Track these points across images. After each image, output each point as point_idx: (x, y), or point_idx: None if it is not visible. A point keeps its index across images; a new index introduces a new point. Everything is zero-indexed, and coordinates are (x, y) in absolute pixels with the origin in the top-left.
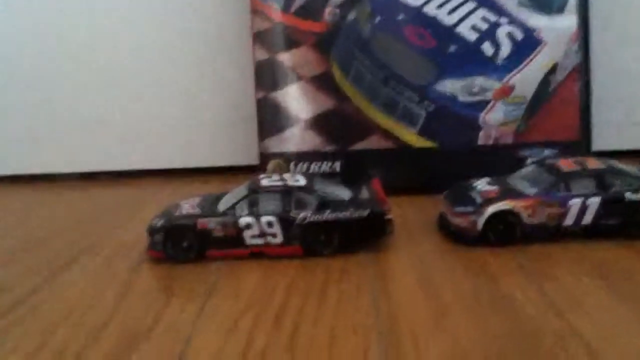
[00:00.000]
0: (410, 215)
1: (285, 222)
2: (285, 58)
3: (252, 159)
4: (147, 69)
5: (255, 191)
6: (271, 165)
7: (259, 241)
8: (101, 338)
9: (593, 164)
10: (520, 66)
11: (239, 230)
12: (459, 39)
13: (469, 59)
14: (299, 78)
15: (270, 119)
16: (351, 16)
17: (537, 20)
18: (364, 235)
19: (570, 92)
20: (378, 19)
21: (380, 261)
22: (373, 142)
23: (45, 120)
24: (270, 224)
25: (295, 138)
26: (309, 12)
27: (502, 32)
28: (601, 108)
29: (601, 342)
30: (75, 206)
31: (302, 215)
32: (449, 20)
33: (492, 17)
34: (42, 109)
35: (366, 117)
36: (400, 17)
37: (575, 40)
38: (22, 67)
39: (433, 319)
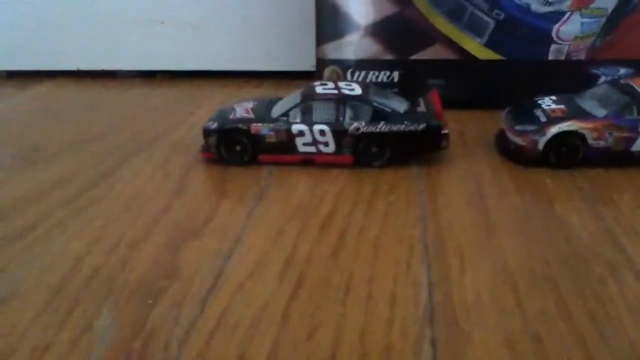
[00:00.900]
0: (469, 130)
1: (338, 131)
2: None
3: (309, 65)
4: None
5: (308, 98)
6: (327, 72)
7: (311, 149)
8: (154, 232)
9: None
10: None
11: (291, 137)
12: None
13: None
14: None
15: (329, 23)
16: None
17: None
18: (417, 149)
19: None
20: None
21: (432, 176)
22: (435, 52)
23: (106, 18)
24: (322, 133)
25: (354, 45)
26: None
27: None
28: None
29: None
30: (135, 103)
31: (354, 125)
32: None
33: None
34: (105, 9)
35: (429, 24)
36: None
37: None
38: None
39: (481, 236)
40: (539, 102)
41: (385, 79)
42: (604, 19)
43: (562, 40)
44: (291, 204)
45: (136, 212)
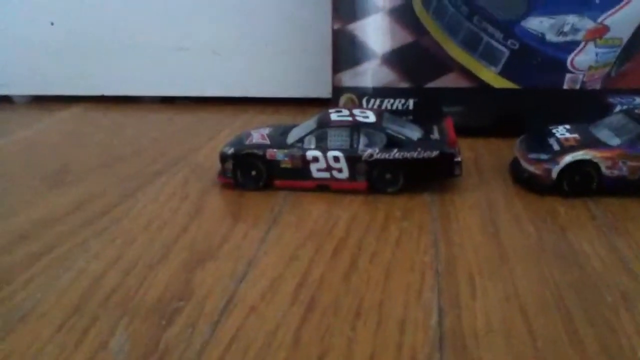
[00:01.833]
0: (483, 158)
1: (352, 158)
2: None
3: (325, 92)
4: None
5: (323, 125)
6: (343, 99)
7: (325, 175)
8: (170, 254)
9: None
10: (619, 5)
11: (306, 163)
12: None
13: None
14: (378, 9)
15: (345, 51)
16: None
17: None
18: (431, 175)
19: None
20: None
21: (445, 202)
22: (450, 81)
23: (130, 45)
24: (336, 159)
25: (370, 73)
26: None
27: None
28: None
29: None
30: (157, 128)
31: (368, 152)
32: None
33: None
34: (129, 36)
35: (445, 53)
36: None
37: None
38: None
39: (493, 263)
40: (553, 130)
41: (400, 107)
42: (619, 49)
43: (577, 69)
44: (305, 228)
45: (154, 234)
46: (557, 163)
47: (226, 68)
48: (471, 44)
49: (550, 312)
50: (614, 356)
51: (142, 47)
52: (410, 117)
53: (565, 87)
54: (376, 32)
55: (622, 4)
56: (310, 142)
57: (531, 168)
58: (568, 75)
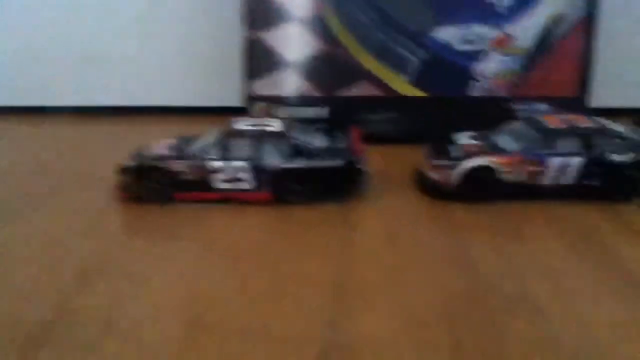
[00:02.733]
0: (392, 165)
1: (256, 168)
2: None
3: (239, 101)
4: (132, 4)
5: (227, 135)
6: (257, 108)
7: (229, 186)
8: (56, 273)
9: (582, 122)
10: (523, 15)
11: (209, 174)
12: None
13: (467, 5)
14: (291, 18)
15: (258, 60)
16: None
17: None
18: (336, 185)
19: (572, 47)
20: None
21: (350, 212)
22: (363, 89)
23: (37, 55)
24: (240, 169)
25: (283, 82)
26: None
27: None
28: (606, 64)
29: (553, 307)
30: (61, 140)
31: (273, 162)
32: None
33: None
34: (36, 45)
35: (357, 62)
36: None
37: None
38: None
39: (390, 273)
40: (456, 137)
41: (314, 115)
42: (522, 58)
43: (483, 77)
44: (205, 242)
45: (44, 253)
46: (458, 169)
47: (135, 77)
48: (383, 54)
49: (437, 321)
50: None
51: (50, 57)
52: (322, 126)
53: (473, 94)
54: (289, 40)
55: (525, 14)
56: (214, 152)
57: (434, 175)
58: (475, 83)
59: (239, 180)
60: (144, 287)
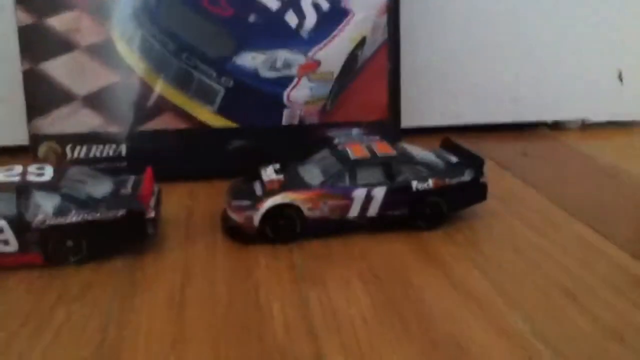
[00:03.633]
0: (200, 206)
1: (19, 226)
2: (55, 23)
3: (23, 139)
4: None
5: None
6: (43, 149)
7: None
8: None
9: (383, 149)
10: (327, 39)
11: None
12: (260, 8)
13: (271, 30)
14: (72, 47)
15: (39, 94)
16: None
17: None
18: (120, 238)
19: (379, 69)
20: None
21: (137, 268)
22: (165, 122)
23: None
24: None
25: (70, 117)
26: None
27: (306, 1)
28: (410, 84)
29: None
30: None
31: (39, 217)
32: None
33: None
34: None
35: (155, 93)
36: None
37: (384, 12)
38: None
39: (163, 348)
40: (262, 172)
41: (111, 153)
42: (331, 83)
43: (294, 105)
44: None
45: None
46: (258, 209)
47: None
48: (183, 83)
49: None
50: None
51: None
52: (125, 164)
53: (284, 123)
54: (72, 71)
55: (329, 38)
56: None
57: (235, 216)
58: (286, 111)
59: None
60: None
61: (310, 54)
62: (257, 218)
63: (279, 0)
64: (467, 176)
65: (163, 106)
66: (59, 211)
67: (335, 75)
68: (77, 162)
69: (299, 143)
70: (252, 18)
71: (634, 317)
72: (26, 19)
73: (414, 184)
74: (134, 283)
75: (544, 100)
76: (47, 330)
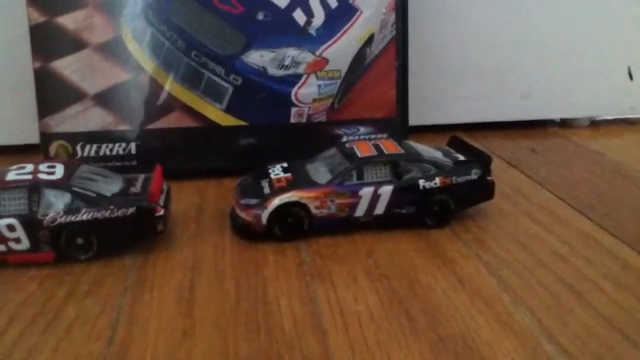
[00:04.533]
0: (209, 203)
1: (31, 224)
2: (67, 21)
3: (34, 138)
4: None
5: None
6: (54, 147)
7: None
8: None
9: (390, 148)
10: (335, 37)
11: None
12: (269, 5)
13: (279, 28)
14: (83, 45)
15: (51, 93)
16: None
17: None
18: (130, 235)
19: (387, 66)
20: None
21: (148, 266)
22: (174, 120)
23: None
24: (11, 227)
25: (81, 116)
26: None
27: None
28: (418, 82)
29: None
30: None
31: (50, 216)
32: None
33: None
34: None
35: (165, 91)
36: None
37: (392, 9)
38: None
39: (175, 340)
40: (269, 170)
41: (121, 152)
42: (339, 81)
43: (302, 103)
44: None
45: None
46: (266, 208)
47: None
48: (192, 81)
49: None
50: None
51: None
52: (135, 163)
53: (292, 121)
54: (84, 70)
55: (337, 36)
56: None
57: (243, 214)
58: (294, 109)
59: (11, 240)
60: None
61: (318, 51)
62: (265, 216)
63: None
64: (474, 174)
65: (172, 104)
66: (70, 209)
67: (343, 73)
68: (88, 160)
69: (306, 141)
70: (260, 16)
71: None
72: (37, 17)
73: (421, 182)
74: (143, 279)
75: (553, 97)
76: (59, 326)
